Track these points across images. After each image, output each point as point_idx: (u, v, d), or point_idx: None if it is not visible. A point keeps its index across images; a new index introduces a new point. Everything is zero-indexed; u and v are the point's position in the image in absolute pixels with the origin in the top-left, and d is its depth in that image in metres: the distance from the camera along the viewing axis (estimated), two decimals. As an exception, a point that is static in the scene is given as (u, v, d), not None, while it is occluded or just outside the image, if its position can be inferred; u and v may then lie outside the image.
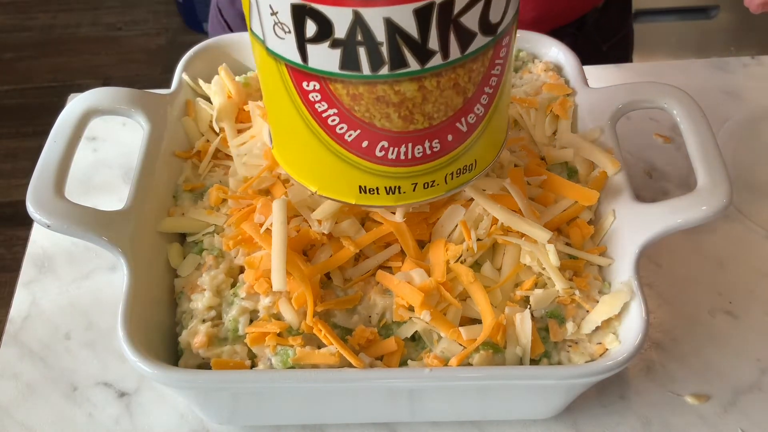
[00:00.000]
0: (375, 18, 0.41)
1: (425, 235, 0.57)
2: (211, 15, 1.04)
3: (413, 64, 0.43)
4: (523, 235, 0.56)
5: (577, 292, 0.55)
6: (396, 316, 0.54)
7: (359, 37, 0.42)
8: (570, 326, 0.54)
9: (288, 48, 0.44)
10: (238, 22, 0.97)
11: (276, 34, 0.44)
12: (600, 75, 0.84)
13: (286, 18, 0.42)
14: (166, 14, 2.44)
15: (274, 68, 0.46)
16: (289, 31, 0.43)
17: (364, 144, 0.48)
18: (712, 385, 0.61)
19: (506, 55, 0.48)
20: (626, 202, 0.58)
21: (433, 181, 0.51)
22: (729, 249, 0.70)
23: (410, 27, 0.41)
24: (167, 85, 0.69)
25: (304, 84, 0.45)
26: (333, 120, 0.47)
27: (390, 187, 0.50)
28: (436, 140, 0.48)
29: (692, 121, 0.59)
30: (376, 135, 0.47)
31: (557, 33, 0.90)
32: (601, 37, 0.96)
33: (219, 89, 0.67)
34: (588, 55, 0.79)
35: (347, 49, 0.42)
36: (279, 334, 0.52)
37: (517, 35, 0.73)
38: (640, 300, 0.52)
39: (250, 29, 0.46)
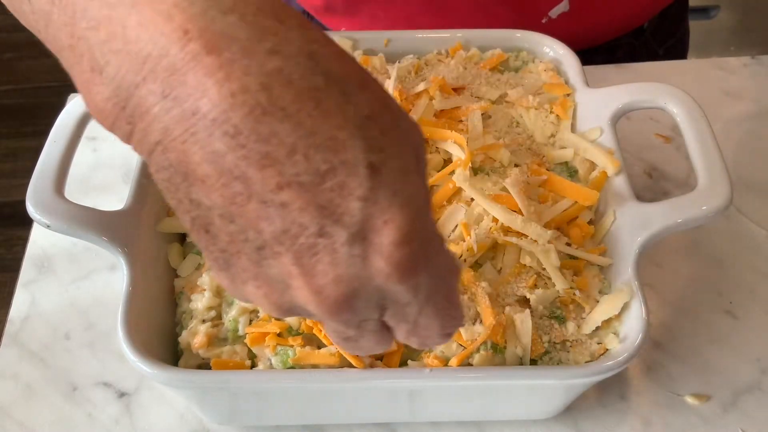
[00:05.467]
0: None
1: (425, 235, 0.57)
2: None
3: None
4: (523, 235, 0.56)
5: (577, 292, 0.55)
6: (396, 316, 0.54)
7: None
8: (570, 326, 0.54)
9: None
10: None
11: None
12: (600, 75, 0.84)
13: None
14: (166, 14, 2.44)
15: None
16: None
17: None
18: (712, 385, 0.61)
19: None
20: (626, 202, 0.58)
21: None
22: (729, 249, 0.70)
23: None
24: (167, 85, 0.69)
25: None
26: None
27: None
28: None
29: (692, 121, 0.59)
30: None
31: (615, 42, 0.89)
32: (658, 42, 0.94)
33: (219, 89, 0.67)
34: (644, 61, 0.78)
35: None
36: (279, 334, 0.52)
37: (518, 35, 0.73)
38: (640, 300, 0.52)
39: None
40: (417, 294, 0.35)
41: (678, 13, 0.97)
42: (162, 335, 0.55)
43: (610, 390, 0.60)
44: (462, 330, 0.52)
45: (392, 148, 0.33)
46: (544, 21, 0.80)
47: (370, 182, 0.32)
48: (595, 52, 0.88)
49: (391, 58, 0.72)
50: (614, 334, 0.53)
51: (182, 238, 0.61)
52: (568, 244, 0.58)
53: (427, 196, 0.34)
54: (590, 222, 0.60)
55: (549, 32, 0.78)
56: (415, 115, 0.63)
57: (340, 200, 0.32)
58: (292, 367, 0.51)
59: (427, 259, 0.34)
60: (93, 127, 0.63)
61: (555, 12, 0.73)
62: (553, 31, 0.79)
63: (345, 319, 0.35)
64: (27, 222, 0.59)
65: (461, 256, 0.55)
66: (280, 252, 0.33)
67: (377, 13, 0.86)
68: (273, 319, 0.54)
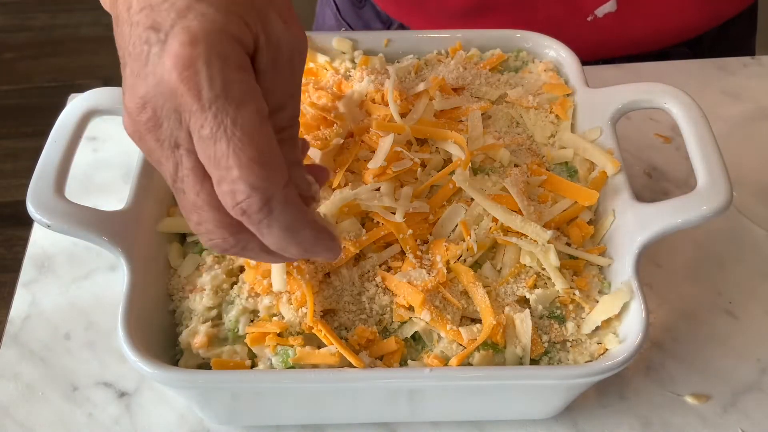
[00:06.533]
0: None
1: (425, 235, 0.57)
2: (320, 1, 1.03)
3: None
4: (522, 235, 0.56)
5: (577, 292, 0.55)
6: (396, 316, 0.54)
7: None
8: (570, 326, 0.54)
9: None
10: (348, 8, 0.96)
11: None
12: (600, 75, 0.83)
13: None
14: (166, 14, 2.44)
15: None
16: None
17: None
18: (712, 385, 0.61)
19: None
20: (626, 202, 0.58)
21: None
22: (729, 249, 0.70)
23: None
24: (167, 85, 0.69)
25: None
26: None
27: None
28: None
29: (692, 121, 0.59)
30: None
31: (668, 50, 0.89)
32: (718, 57, 0.92)
33: (219, 89, 0.67)
34: None
35: None
36: (279, 334, 0.52)
37: (518, 35, 0.73)
38: (640, 300, 0.52)
39: None
40: (204, 110, 0.39)
41: (744, 31, 0.95)
42: (162, 335, 0.55)
43: (610, 390, 0.60)
44: (462, 330, 0.52)
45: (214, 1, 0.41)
46: (589, 19, 0.80)
47: (186, 5, 0.40)
48: (645, 59, 0.88)
49: (391, 59, 0.72)
50: (614, 334, 0.53)
51: (182, 238, 0.61)
52: (568, 244, 0.58)
53: (230, 42, 0.41)
54: (590, 222, 0.60)
55: (595, 32, 0.77)
56: (415, 115, 0.63)
57: (164, 16, 0.40)
58: (292, 367, 0.51)
59: (212, 72, 0.39)
60: (93, 127, 0.63)
61: (601, 11, 0.73)
62: (599, 31, 0.78)
63: (147, 122, 0.41)
64: (27, 222, 0.59)
65: (461, 255, 0.55)
66: (125, 63, 0.42)
67: (429, 7, 0.86)
68: (273, 319, 0.54)
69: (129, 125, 0.42)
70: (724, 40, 0.93)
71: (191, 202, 0.42)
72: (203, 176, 0.41)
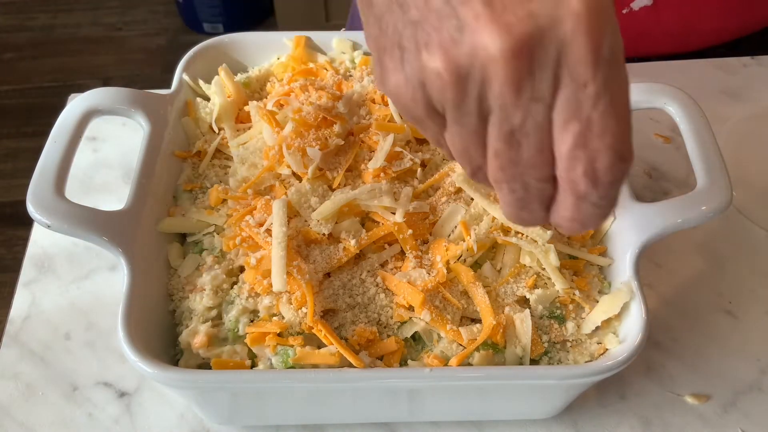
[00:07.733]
0: None
1: (425, 235, 0.57)
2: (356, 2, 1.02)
3: None
4: (523, 235, 0.56)
5: (577, 292, 0.55)
6: (396, 316, 0.54)
7: None
8: (570, 326, 0.54)
9: None
10: None
11: None
12: (600, 75, 0.83)
13: None
14: (166, 14, 2.44)
15: None
16: None
17: None
18: (712, 385, 0.61)
19: None
20: (626, 202, 0.58)
21: None
22: (729, 249, 0.70)
23: None
24: (167, 85, 0.69)
25: None
26: None
27: None
28: None
29: (692, 121, 0.59)
30: None
31: (707, 50, 0.88)
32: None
33: (219, 89, 0.67)
34: None
35: None
36: (279, 334, 0.52)
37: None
38: (640, 300, 0.52)
39: None
40: (598, 66, 0.35)
41: None
42: (162, 335, 0.55)
43: (610, 390, 0.60)
44: (462, 330, 0.52)
45: None
46: (624, 12, 0.80)
47: None
48: (683, 58, 0.87)
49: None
50: (614, 334, 0.53)
51: (182, 238, 0.61)
52: (568, 244, 0.58)
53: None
54: (590, 222, 0.60)
55: (630, 25, 0.76)
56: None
57: None
58: (292, 367, 0.51)
59: (614, 29, 0.36)
60: (93, 127, 0.63)
61: (637, 4, 0.73)
62: (634, 25, 0.77)
63: (520, 67, 0.35)
64: (27, 222, 0.59)
65: (461, 255, 0.56)
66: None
67: None
68: (273, 319, 0.54)
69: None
70: (764, 41, 0.91)
71: (528, 157, 0.39)
72: (549, 133, 0.38)
